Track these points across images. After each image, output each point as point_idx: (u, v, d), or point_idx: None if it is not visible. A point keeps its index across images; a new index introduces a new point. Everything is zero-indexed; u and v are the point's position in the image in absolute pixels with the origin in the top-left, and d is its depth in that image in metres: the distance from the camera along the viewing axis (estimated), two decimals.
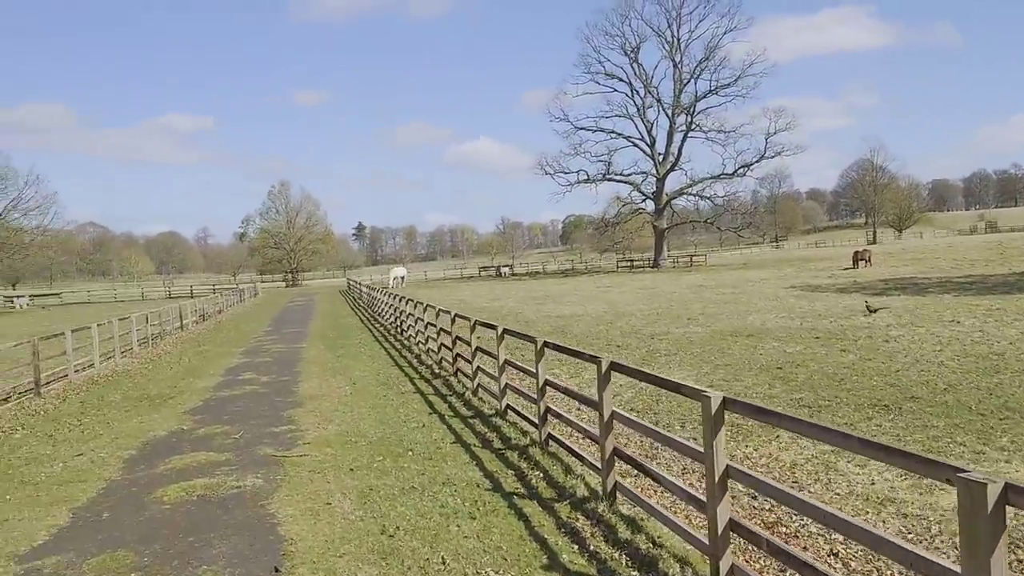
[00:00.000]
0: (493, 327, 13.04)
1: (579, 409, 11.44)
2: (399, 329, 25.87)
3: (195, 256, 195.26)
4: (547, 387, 9.45)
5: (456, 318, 16.53)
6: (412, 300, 24.36)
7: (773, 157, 75.65)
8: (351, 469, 8.52)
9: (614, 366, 7.26)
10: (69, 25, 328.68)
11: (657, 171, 78.04)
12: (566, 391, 8.95)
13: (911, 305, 25.55)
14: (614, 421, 7.23)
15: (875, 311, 24.17)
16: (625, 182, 79.55)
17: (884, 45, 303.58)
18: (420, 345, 20.68)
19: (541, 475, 8.17)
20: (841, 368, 14.26)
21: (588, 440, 8.28)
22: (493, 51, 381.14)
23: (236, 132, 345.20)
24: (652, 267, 77.96)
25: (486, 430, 10.38)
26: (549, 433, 9.19)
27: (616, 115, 79.10)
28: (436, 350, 17.63)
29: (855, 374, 13.53)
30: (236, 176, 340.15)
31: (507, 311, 34.48)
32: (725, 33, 74.85)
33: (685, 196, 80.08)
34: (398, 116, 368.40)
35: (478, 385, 13.17)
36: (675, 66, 77.55)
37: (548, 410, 9.16)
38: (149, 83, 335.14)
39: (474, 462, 8.69)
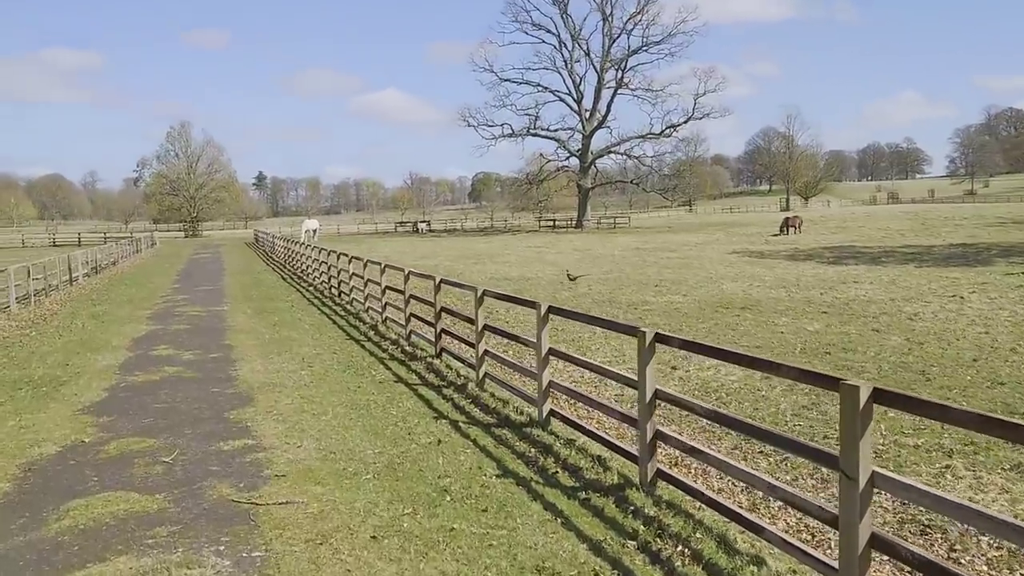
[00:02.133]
0: (472, 289, 10.23)
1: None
2: (336, 291, 22.42)
3: (82, 201, 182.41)
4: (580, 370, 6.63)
5: (410, 276, 13.56)
6: (349, 256, 20.98)
7: (701, 118, 74.33)
8: (373, 538, 5.30)
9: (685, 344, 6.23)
10: None
11: (584, 128, 75.50)
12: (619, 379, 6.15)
13: (883, 276, 23.91)
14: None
15: (575, 279, 25.42)
16: (551, 138, 76.76)
17: (785, 17, 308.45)
18: (374, 313, 17.41)
19: None
20: (904, 355, 11.89)
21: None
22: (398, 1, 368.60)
23: (127, 72, 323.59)
24: (575, 227, 75.77)
25: (532, 451, 7.38)
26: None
27: (544, 67, 76.21)
28: (403, 322, 14.43)
29: (930, 363, 11.16)
30: (128, 119, 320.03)
31: (446, 271, 31.36)
32: None
33: (612, 155, 77.94)
34: (302, 61, 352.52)
35: (484, 375, 10.15)
36: (605, 19, 74.78)
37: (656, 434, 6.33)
38: (29, 11, 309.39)
39: (555, 517, 5.74)
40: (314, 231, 68.48)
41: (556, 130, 76.22)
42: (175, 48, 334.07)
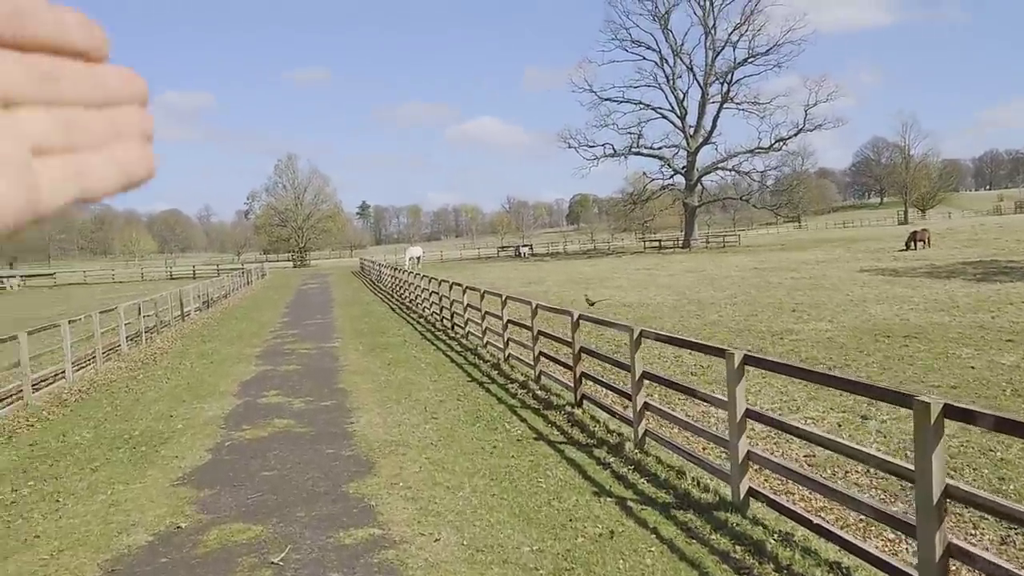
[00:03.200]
0: (627, 329, 8.51)
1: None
2: (449, 323, 21.14)
3: (198, 235, 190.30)
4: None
5: (537, 309, 12.01)
6: (462, 286, 19.65)
7: (812, 130, 70.45)
8: None
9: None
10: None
11: (688, 144, 72.94)
12: None
13: None
14: None
15: (593, 303, 24.16)
16: (655, 156, 74.45)
17: (887, 23, 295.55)
18: (493, 349, 15.95)
19: None
20: None
21: None
22: (493, 29, 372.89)
23: (236, 111, 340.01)
24: (682, 247, 73.09)
25: (738, 550, 5.57)
26: None
27: (645, 85, 73.96)
28: (530, 361, 12.87)
29: None
30: (237, 154, 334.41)
31: (556, 296, 29.79)
32: None
33: (718, 171, 74.99)
34: (399, 94, 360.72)
35: (644, 432, 8.40)
36: (708, 32, 72.23)
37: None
38: (147, 61, 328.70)
39: None
40: (418, 258, 68.36)
41: (660, 148, 73.92)
42: (280, 86, 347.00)
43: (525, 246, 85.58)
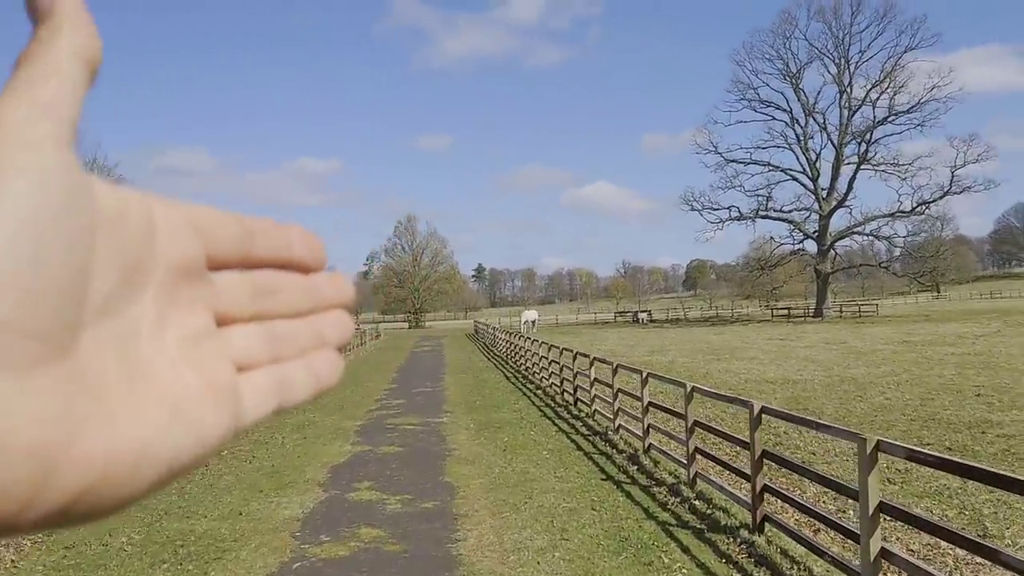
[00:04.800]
0: (857, 438, 5.92)
1: None
2: (572, 396, 18.74)
3: None
4: None
5: (693, 394, 9.50)
6: (589, 357, 17.26)
7: (960, 192, 65.08)
8: None
9: None
10: (209, 77, 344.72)
11: (821, 207, 68.70)
12: None
13: None
14: None
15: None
16: (783, 219, 70.47)
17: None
18: (628, 436, 13.44)
19: None
20: None
21: None
22: (610, 97, 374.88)
23: (363, 175, 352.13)
24: (814, 317, 68.28)
25: None
26: None
27: (774, 146, 70.60)
28: (682, 459, 10.31)
29: None
30: (362, 216, 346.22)
31: (685, 369, 26.92)
32: (905, 51, 65.38)
33: (854, 236, 70.16)
34: (517, 160, 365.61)
35: None
36: (843, 91, 68.51)
37: None
38: (281, 131, 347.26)
39: None
40: (533, 322, 66.42)
41: (790, 211, 69.98)
42: (404, 152, 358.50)
43: (644, 312, 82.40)
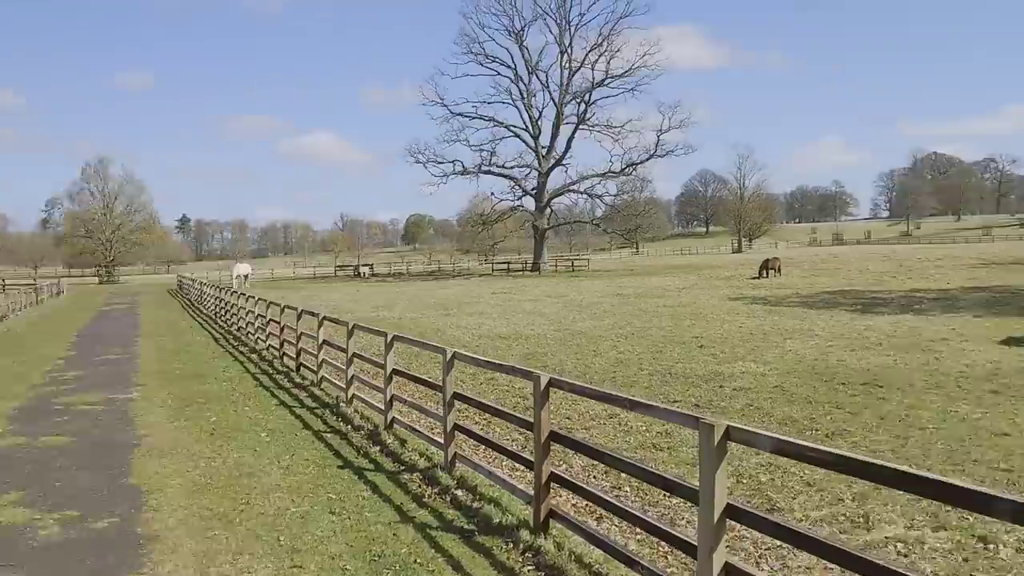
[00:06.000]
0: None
1: None
2: (294, 362, 16.35)
3: None
4: None
5: (453, 361, 7.94)
6: (313, 314, 15.02)
7: (664, 156, 70.20)
8: None
9: None
10: None
11: (540, 165, 70.60)
12: None
13: (959, 327, 19.26)
14: None
15: None
16: (506, 175, 71.50)
17: (717, 66, 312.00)
18: (365, 408, 11.47)
19: None
20: None
21: None
22: (330, 46, 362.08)
23: (47, 112, 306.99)
24: (532, 271, 70.43)
25: None
26: None
27: (500, 102, 71.11)
28: (437, 438, 8.57)
29: None
30: (46, 160, 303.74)
31: (415, 325, 25.47)
32: (620, 18, 68.54)
33: (570, 194, 73.05)
34: (230, 105, 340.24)
35: None
36: (564, 51, 70.56)
37: None
38: None
39: None
40: (245, 276, 61.53)
41: (512, 167, 71.15)
42: (98, 88, 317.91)
43: (365, 266, 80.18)
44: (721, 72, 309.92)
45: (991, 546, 6.07)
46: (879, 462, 3.68)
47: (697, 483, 4.53)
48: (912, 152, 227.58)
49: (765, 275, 47.18)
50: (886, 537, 6.41)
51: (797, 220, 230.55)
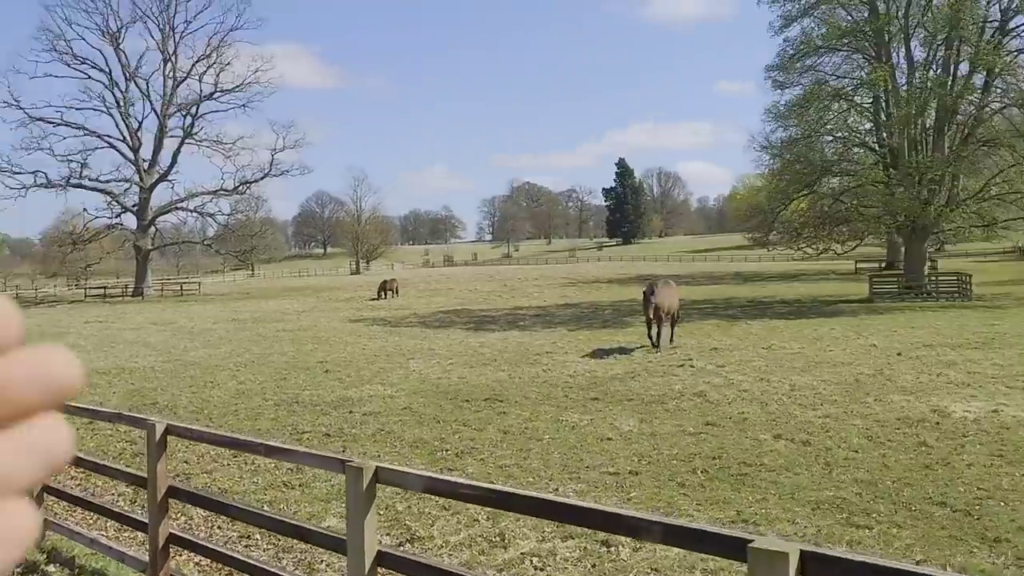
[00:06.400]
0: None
1: None
2: None
3: None
4: None
5: None
6: None
7: (279, 175, 68.61)
8: None
9: None
10: None
11: (142, 179, 64.79)
12: None
13: (559, 341, 21.49)
14: None
15: None
16: (101, 190, 64.30)
17: (329, 87, 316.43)
18: None
19: None
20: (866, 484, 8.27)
21: None
22: None
23: None
24: (134, 296, 64.24)
25: None
26: None
27: (91, 108, 63.80)
28: None
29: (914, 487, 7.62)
30: None
31: None
32: (231, 30, 65.74)
33: (178, 212, 68.05)
34: None
35: None
36: (167, 60, 65.65)
37: None
38: None
39: None
40: None
41: (108, 181, 64.19)
42: None
43: None
44: (334, 93, 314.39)
45: (613, 548, 6.46)
46: (521, 492, 3.59)
47: (342, 529, 4.08)
48: (510, 181, 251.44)
49: (384, 296, 48.30)
50: (522, 553, 6.53)
51: (411, 242, 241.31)
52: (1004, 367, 15.03)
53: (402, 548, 5.60)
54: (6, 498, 0.23)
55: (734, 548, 2.69)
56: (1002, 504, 7.02)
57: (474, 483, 3.67)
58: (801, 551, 2.57)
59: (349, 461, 4.03)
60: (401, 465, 4.46)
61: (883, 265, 57.11)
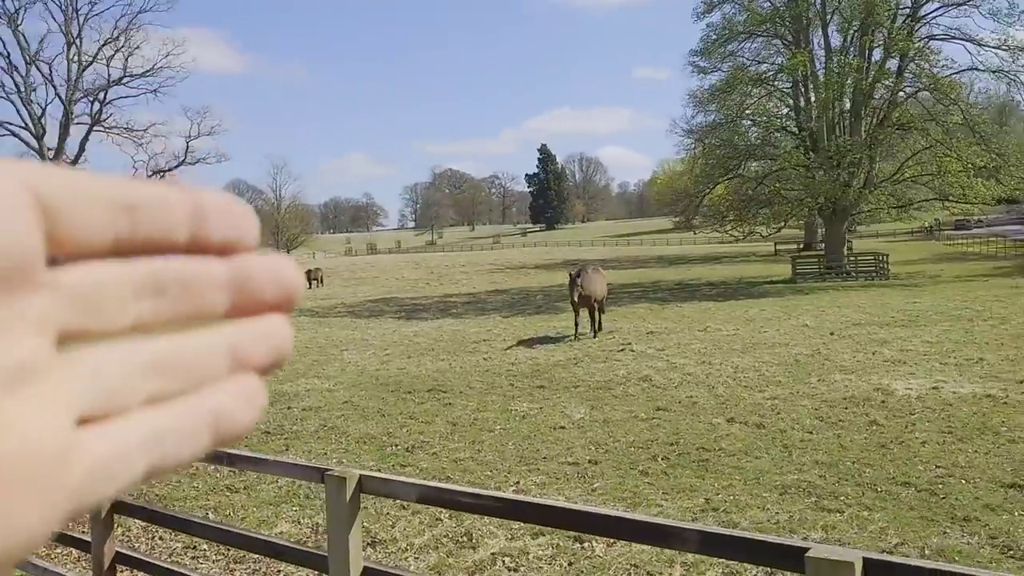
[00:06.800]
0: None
1: None
2: None
3: None
4: None
5: None
6: None
7: (195, 163, 66.39)
8: None
9: None
10: None
11: None
12: None
13: (492, 328, 21.30)
14: None
15: None
16: None
17: (246, 73, 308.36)
18: None
19: None
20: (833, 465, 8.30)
21: None
22: None
23: None
24: None
25: None
26: None
27: None
28: None
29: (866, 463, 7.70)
30: None
31: None
32: (140, 12, 62.94)
33: None
34: None
35: None
36: (71, 43, 62.52)
37: None
38: None
39: None
40: None
41: None
42: None
43: None
44: (250, 80, 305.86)
45: (587, 545, 6.25)
46: (534, 500, 3.32)
47: (299, 535, 3.73)
48: (432, 168, 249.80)
49: (309, 286, 47.20)
50: (492, 554, 6.26)
51: (332, 231, 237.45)
52: (934, 344, 15.46)
53: (393, 565, 5.24)
54: (247, 372, 0.28)
55: (791, 558, 2.48)
56: (963, 482, 7.10)
57: (477, 491, 3.37)
58: (864, 559, 2.37)
59: (329, 470, 3.68)
60: (381, 473, 4.10)
61: (801, 246, 58.58)
